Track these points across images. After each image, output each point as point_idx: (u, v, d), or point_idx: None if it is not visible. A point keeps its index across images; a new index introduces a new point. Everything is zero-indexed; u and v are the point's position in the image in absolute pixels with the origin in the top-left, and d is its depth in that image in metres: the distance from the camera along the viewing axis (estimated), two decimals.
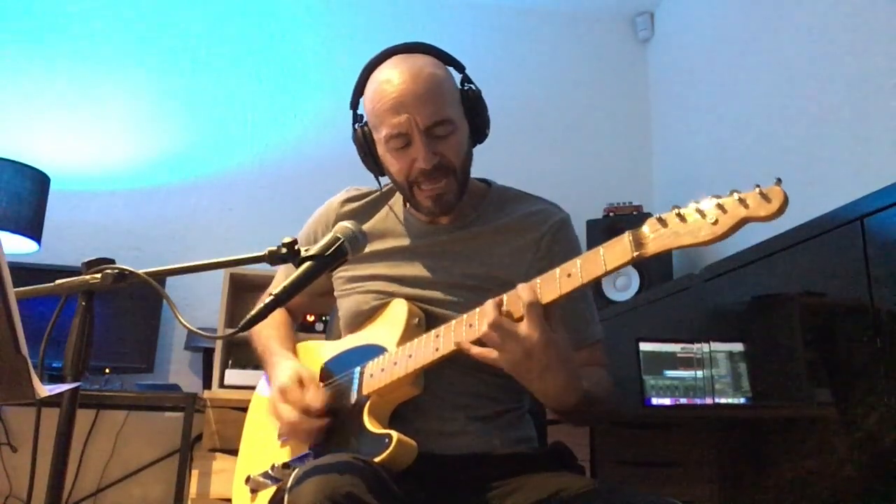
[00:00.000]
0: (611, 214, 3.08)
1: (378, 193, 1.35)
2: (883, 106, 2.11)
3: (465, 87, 1.25)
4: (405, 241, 1.28)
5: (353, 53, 3.35)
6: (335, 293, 1.34)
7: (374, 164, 1.27)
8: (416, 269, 1.24)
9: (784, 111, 2.57)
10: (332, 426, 1.15)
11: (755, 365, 1.82)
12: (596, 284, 2.88)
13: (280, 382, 1.18)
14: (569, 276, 0.94)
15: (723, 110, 2.96)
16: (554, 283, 0.95)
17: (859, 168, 2.18)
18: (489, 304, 0.97)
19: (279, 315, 1.41)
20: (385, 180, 1.32)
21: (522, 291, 0.95)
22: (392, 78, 1.17)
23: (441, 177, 1.18)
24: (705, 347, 2.00)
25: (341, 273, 1.31)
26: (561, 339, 0.95)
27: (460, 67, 1.26)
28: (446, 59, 1.25)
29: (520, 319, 0.95)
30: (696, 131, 3.18)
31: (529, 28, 3.60)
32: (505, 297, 0.98)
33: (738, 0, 2.94)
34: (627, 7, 3.62)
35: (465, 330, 1.03)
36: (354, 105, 1.27)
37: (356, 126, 1.27)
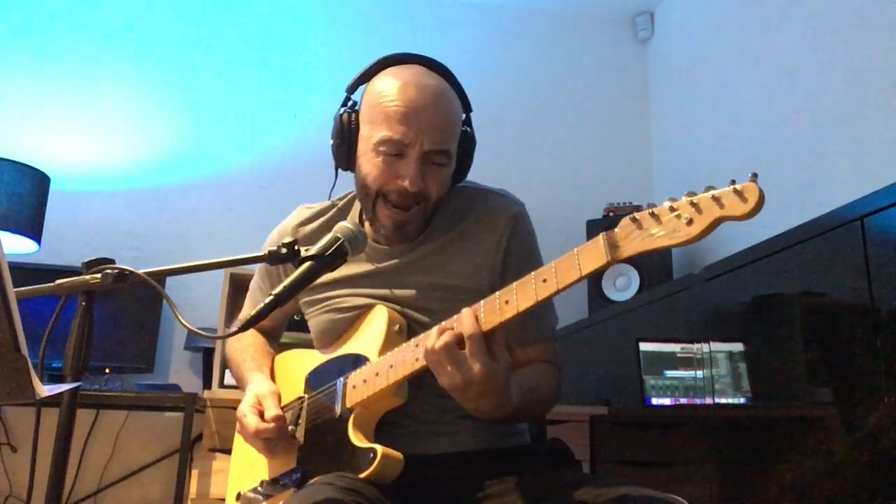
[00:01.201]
0: (611, 214, 3.08)
1: (333, 210, 1.31)
2: (883, 106, 2.11)
3: (464, 129, 1.22)
4: (368, 266, 1.23)
5: (352, 53, 3.38)
6: (305, 316, 1.31)
7: (345, 154, 1.21)
8: (383, 287, 1.21)
9: (784, 111, 2.57)
10: (318, 440, 1.14)
11: (755, 365, 1.82)
12: (595, 283, 2.91)
13: (239, 409, 1.19)
14: (545, 281, 0.91)
15: (723, 110, 2.96)
16: (530, 291, 0.92)
17: (859, 168, 2.18)
18: (434, 330, 0.98)
19: (250, 335, 1.39)
20: (341, 184, 1.27)
21: (465, 320, 0.95)
22: (412, 85, 1.13)
23: (412, 205, 1.15)
24: (705, 347, 2.00)
25: (307, 297, 1.27)
26: (501, 368, 0.95)
27: (468, 108, 1.24)
28: (461, 94, 1.23)
29: (462, 346, 0.95)
30: (696, 131, 3.18)
31: (529, 28, 3.59)
32: (453, 321, 0.98)
33: (738, 1, 2.94)
34: (627, 7, 3.61)
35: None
36: (352, 89, 1.23)
37: (344, 110, 1.22)
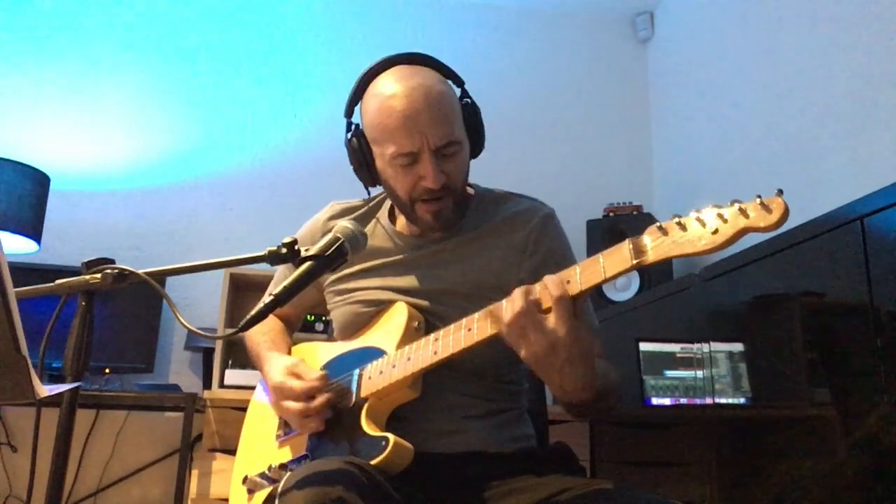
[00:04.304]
0: (611, 214, 3.08)
1: (365, 208, 1.34)
2: (883, 106, 2.11)
3: (464, 102, 1.24)
4: (396, 257, 1.27)
5: (352, 53, 3.39)
6: (328, 306, 1.33)
7: (368, 175, 1.25)
8: (408, 281, 1.23)
9: (784, 111, 2.57)
10: (330, 427, 1.15)
11: (755, 365, 1.82)
12: None
13: (275, 381, 1.18)
14: (568, 283, 0.93)
15: (723, 110, 2.96)
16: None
17: (859, 168, 2.18)
18: (517, 293, 0.95)
19: (270, 320, 1.40)
20: (374, 190, 1.31)
21: (551, 284, 0.94)
22: (400, 93, 1.14)
23: (443, 196, 1.18)
24: (705, 347, 2.00)
25: (332, 287, 1.30)
26: (585, 335, 0.94)
27: (459, 81, 1.25)
28: (447, 72, 1.23)
29: (547, 311, 0.94)
30: (696, 131, 3.18)
31: (529, 28, 3.60)
32: (537, 287, 0.96)
33: (737, 1, 2.94)
34: (627, 7, 3.62)
35: (464, 334, 1.03)
36: (349, 113, 1.25)
37: (350, 136, 1.25)
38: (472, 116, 1.23)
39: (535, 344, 0.93)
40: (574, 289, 0.93)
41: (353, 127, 1.26)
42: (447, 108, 1.16)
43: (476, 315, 1.03)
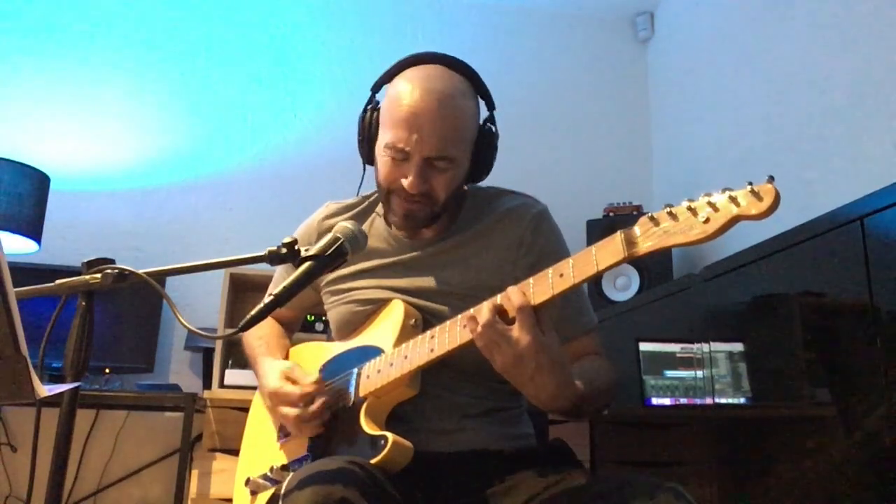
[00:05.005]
0: (611, 214, 3.09)
1: (359, 208, 1.34)
2: (883, 106, 2.11)
3: (486, 127, 1.23)
4: (392, 258, 1.26)
5: (352, 53, 3.39)
6: (325, 306, 1.33)
7: (367, 151, 1.26)
8: (405, 281, 1.23)
9: (784, 111, 2.57)
10: (329, 428, 1.15)
11: (755, 365, 1.82)
12: (595, 283, 2.91)
13: (271, 387, 1.19)
14: (561, 276, 0.93)
15: (723, 110, 2.96)
16: (546, 284, 0.94)
17: (859, 168, 2.18)
18: (484, 306, 0.97)
19: (267, 324, 1.40)
20: (369, 175, 1.31)
21: (513, 294, 0.95)
22: (419, 89, 1.14)
23: (420, 201, 1.18)
24: (705, 347, 2.00)
25: (329, 287, 1.30)
26: (552, 343, 0.94)
27: (491, 106, 1.25)
28: (483, 92, 1.24)
29: (512, 321, 0.94)
30: (696, 131, 3.18)
31: (529, 28, 3.60)
32: (499, 297, 0.98)
33: (738, 1, 2.94)
34: (627, 7, 3.62)
35: (459, 331, 1.03)
36: (377, 88, 1.26)
37: (368, 108, 1.26)
38: (484, 143, 1.22)
39: (503, 355, 0.94)
40: (540, 296, 0.94)
41: (373, 101, 1.26)
42: (454, 123, 1.15)
43: (471, 310, 1.02)
